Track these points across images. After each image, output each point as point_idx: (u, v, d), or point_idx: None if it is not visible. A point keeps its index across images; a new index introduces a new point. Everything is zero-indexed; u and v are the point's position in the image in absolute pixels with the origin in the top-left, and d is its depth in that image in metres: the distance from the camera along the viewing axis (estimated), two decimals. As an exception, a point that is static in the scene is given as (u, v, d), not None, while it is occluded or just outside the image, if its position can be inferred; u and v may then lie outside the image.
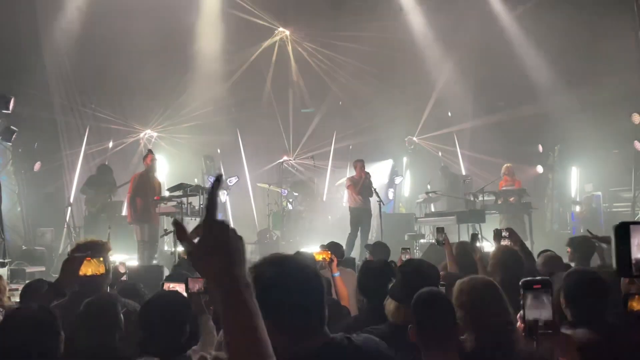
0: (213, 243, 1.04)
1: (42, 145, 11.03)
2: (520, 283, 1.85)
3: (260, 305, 1.06)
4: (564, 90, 11.85)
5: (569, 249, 4.83)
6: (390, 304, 2.58)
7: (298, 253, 4.27)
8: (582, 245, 4.77)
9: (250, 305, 1.04)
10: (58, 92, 11.57)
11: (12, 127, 8.22)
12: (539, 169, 12.80)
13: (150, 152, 8.42)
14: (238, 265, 1.05)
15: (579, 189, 12.95)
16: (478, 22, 12.86)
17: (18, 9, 10.03)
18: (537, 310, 1.80)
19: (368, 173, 9.27)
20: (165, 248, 8.56)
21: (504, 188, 9.95)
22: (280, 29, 13.63)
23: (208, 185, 10.59)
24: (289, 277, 1.50)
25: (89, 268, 2.92)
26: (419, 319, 2.17)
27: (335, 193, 13.74)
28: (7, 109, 8.09)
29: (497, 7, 12.80)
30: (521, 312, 1.85)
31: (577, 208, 12.15)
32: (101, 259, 3.00)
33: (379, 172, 13.48)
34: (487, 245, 7.29)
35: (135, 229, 7.90)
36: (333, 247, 4.79)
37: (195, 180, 11.66)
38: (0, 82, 8.89)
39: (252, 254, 11.08)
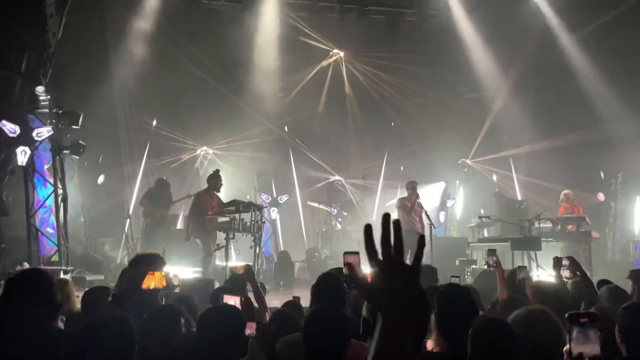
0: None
1: (105, 159, 11.60)
2: (566, 316, 1.80)
3: None
4: (627, 116, 11.31)
5: (631, 283, 4.59)
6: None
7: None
8: (646, 278, 4.52)
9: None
10: (122, 110, 12.21)
11: (80, 141, 8.65)
12: (601, 196, 12.24)
13: (218, 173, 8.80)
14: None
15: (644, 219, 12.30)
16: (537, 44, 12.56)
17: (88, 32, 10.66)
18: (584, 344, 1.74)
19: (418, 195, 9.19)
20: (217, 262, 8.77)
21: (563, 216, 9.58)
22: (335, 50, 13.83)
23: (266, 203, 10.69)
24: None
25: (152, 281, 3.02)
26: (476, 351, 2.10)
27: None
28: (77, 124, 8.53)
29: (557, 29, 12.45)
30: (567, 346, 1.80)
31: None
32: (163, 273, 3.09)
33: (430, 195, 13.31)
34: (544, 274, 7.04)
35: (203, 243, 8.35)
36: None
37: (248, 197, 11.90)
38: (71, 99, 9.43)
39: (300, 271, 11.19)
